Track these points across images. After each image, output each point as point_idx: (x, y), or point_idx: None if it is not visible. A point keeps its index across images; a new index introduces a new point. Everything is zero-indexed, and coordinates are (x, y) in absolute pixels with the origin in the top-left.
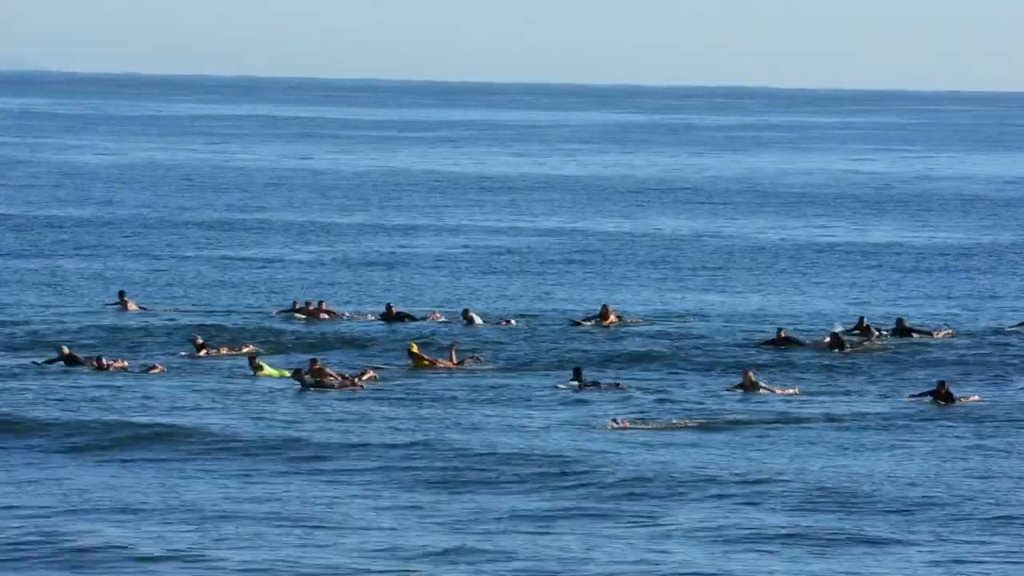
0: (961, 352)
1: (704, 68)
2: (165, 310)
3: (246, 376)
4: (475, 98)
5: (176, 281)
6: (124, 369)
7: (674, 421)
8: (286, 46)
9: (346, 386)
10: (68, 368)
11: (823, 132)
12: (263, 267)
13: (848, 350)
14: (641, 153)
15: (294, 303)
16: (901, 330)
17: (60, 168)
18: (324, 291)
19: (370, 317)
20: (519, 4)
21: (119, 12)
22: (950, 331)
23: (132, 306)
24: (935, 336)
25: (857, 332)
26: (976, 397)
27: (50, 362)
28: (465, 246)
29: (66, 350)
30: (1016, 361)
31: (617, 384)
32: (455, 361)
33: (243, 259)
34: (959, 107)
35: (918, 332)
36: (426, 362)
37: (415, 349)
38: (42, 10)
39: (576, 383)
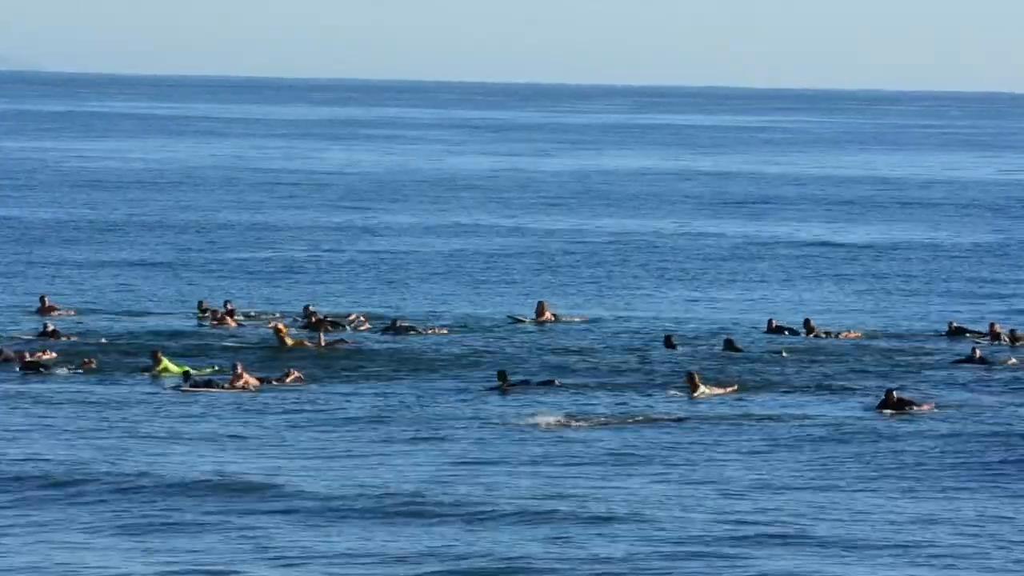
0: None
1: (705, 68)
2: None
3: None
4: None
5: (91, 284)
6: (49, 368)
7: (604, 419)
8: (286, 46)
9: (235, 387)
10: None
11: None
12: (188, 268)
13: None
14: (607, 154)
15: (199, 303)
16: (808, 330)
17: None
18: (252, 295)
19: (278, 317)
20: (519, 4)
21: (119, 12)
22: (857, 333)
23: (53, 310)
24: (841, 337)
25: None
26: (928, 406)
27: None
28: (402, 248)
29: None
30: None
31: (552, 381)
32: (324, 343)
33: (174, 260)
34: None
35: (827, 333)
36: (292, 342)
37: (283, 329)
38: (42, 10)
39: (501, 384)
